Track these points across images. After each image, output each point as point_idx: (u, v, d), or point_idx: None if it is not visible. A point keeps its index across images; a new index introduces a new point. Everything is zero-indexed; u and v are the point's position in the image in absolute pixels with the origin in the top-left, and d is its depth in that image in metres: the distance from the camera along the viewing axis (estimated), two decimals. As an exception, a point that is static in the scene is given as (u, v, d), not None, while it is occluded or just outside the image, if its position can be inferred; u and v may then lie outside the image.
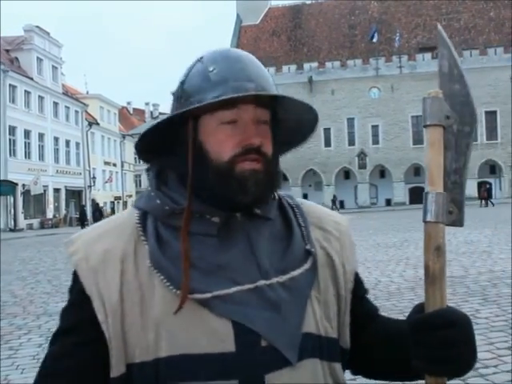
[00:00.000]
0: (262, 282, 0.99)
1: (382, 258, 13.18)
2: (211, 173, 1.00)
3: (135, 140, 1.11)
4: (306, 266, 1.05)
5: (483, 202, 46.98)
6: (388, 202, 63.84)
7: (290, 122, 1.13)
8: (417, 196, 62.77)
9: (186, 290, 0.95)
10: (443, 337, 0.88)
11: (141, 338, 0.95)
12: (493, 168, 62.19)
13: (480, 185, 50.56)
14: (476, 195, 59.58)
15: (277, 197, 1.13)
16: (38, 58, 50.01)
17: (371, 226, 26.43)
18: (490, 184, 51.24)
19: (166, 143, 1.09)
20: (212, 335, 0.94)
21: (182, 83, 1.07)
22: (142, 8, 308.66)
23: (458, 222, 0.96)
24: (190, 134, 1.03)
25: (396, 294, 8.61)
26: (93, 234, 1.05)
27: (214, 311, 0.95)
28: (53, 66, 52.94)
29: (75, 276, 1.01)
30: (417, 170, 63.66)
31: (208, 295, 0.95)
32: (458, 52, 60.66)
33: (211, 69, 1.03)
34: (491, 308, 7.29)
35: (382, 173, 64.71)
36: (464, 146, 0.98)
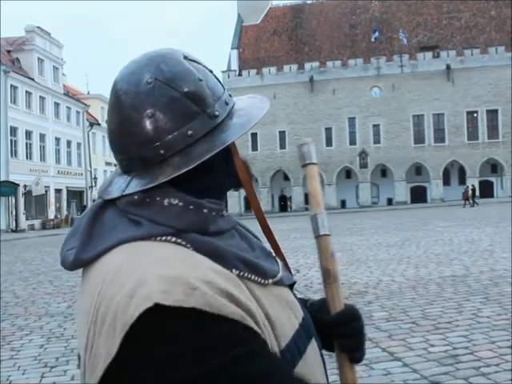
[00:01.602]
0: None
1: (384, 258, 13.18)
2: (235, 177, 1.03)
3: None
4: None
5: (467, 202, 46.91)
6: (389, 202, 63.78)
7: None
8: (418, 195, 62.83)
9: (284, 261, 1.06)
10: (356, 327, 1.05)
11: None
12: (494, 167, 62.14)
13: (471, 186, 50.49)
14: (478, 194, 59.67)
15: None
16: (39, 58, 50.02)
17: (373, 225, 26.43)
18: (474, 185, 51.22)
19: None
20: (295, 308, 0.98)
21: (201, 80, 0.98)
22: (142, 7, 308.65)
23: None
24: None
25: (397, 294, 8.60)
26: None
27: (284, 283, 0.99)
28: (54, 67, 52.95)
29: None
30: (418, 170, 63.59)
31: (281, 273, 0.99)
32: (459, 51, 60.75)
33: (199, 76, 0.98)
34: (493, 307, 7.29)
35: (384, 172, 64.66)
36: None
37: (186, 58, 0.99)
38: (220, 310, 0.79)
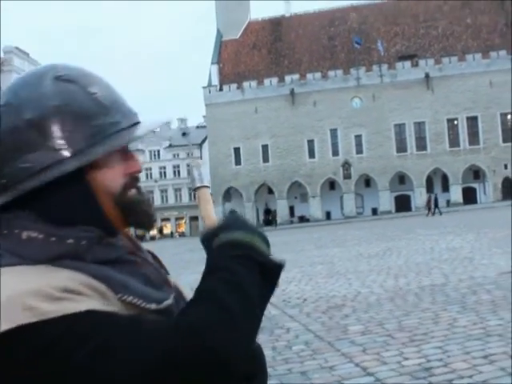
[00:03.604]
0: (172, 282, 1.05)
1: (364, 269, 13.08)
2: (113, 203, 0.95)
3: None
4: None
5: (430, 210, 46.93)
6: (374, 211, 63.95)
7: None
8: (403, 204, 63.07)
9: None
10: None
11: None
12: (477, 173, 62.59)
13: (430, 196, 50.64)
14: (461, 201, 60.04)
15: None
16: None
17: (356, 236, 26.39)
18: (436, 194, 51.45)
19: None
20: None
21: (67, 104, 0.90)
22: (122, 26, 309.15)
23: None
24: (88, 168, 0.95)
25: (375, 306, 8.50)
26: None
27: (173, 315, 0.92)
28: (33, 87, 52.67)
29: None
30: (401, 178, 63.89)
31: (171, 300, 0.96)
32: (437, 59, 61.38)
33: (94, 91, 0.92)
34: (469, 316, 7.20)
35: (367, 182, 64.88)
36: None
37: (58, 78, 0.90)
38: (47, 314, 0.77)
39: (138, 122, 0.96)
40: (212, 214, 1.09)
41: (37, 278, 0.81)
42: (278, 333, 7.39)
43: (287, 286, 11.42)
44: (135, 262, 0.97)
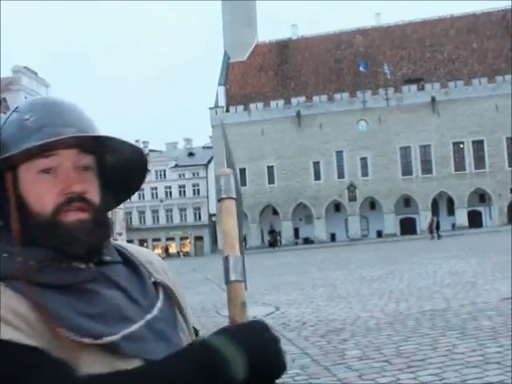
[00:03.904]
0: (148, 316, 1.00)
1: (365, 292, 13.00)
2: (37, 227, 0.96)
3: None
4: (161, 296, 1.09)
5: (432, 234, 46.73)
6: (379, 234, 63.75)
7: (121, 166, 1.11)
8: (408, 227, 62.83)
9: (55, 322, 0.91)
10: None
11: None
12: (482, 197, 62.41)
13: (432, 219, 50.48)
14: (466, 224, 59.80)
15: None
16: (26, 98, 50.23)
17: (359, 259, 26.27)
18: (438, 217, 51.36)
19: None
20: None
21: None
22: (130, 45, 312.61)
23: (246, 282, 1.04)
24: (8, 187, 0.98)
25: (374, 330, 8.42)
26: None
27: (123, 352, 0.93)
28: (41, 106, 53.20)
29: None
30: (407, 201, 63.77)
31: (116, 337, 0.92)
32: (443, 83, 61.59)
33: (27, 117, 0.99)
34: (469, 342, 7.12)
35: (373, 204, 64.78)
36: (242, 216, 1.10)
37: (14, 110, 1.03)
38: None
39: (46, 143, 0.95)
40: (232, 229, 1.03)
41: None
42: (275, 356, 7.32)
43: (287, 309, 11.35)
44: (90, 292, 0.96)
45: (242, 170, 64.86)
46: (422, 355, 6.70)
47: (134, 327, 0.95)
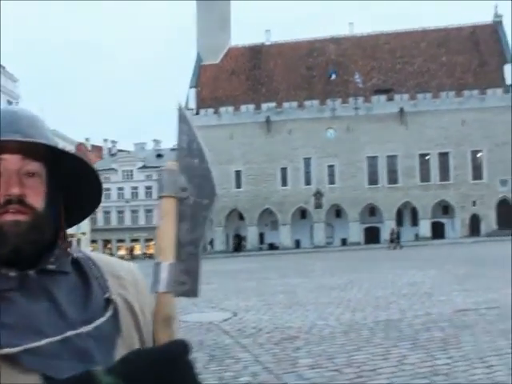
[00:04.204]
0: (70, 333, 0.97)
1: (324, 301, 13.06)
2: None
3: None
4: (108, 314, 1.05)
5: (392, 244, 47.40)
6: (344, 242, 64.20)
7: (74, 180, 1.12)
8: (372, 236, 63.48)
9: None
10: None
11: None
12: (446, 208, 63.41)
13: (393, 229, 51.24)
14: (430, 235, 60.69)
15: (69, 251, 1.13)
16: (-9, 92, 49.38)
17: (322, 267, 26.41)
18: (399, 228, 52.38)
19: None
20: None
21: None
22: (102, 44, 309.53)
23: (191, 293, 0.98)
24: None
25: (328, 339, 8.46)
26: None
27: (24, 366, 0.91)
28: (7, 101, 52.24)
29: None
30: (372, 210, 64.43)
31: (17, 349, 0.91)
32: (412, 95, 62.46)
33: None
34: (419, 353, 7.20)
35: (338, 212, 65.24)
36: (201, 217, 1.00)
37: None
38: None
39: None
40: (167, 233, 0.95)
41: None
42: (228, 363, 7.30)
43: (245, 315, 11.34)
44: (7, 300, 0.97)
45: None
46: (373, 365, 6.75)
47: (42, 342, 0.93)
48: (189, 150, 1.04)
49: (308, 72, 69.11)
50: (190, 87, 69.91)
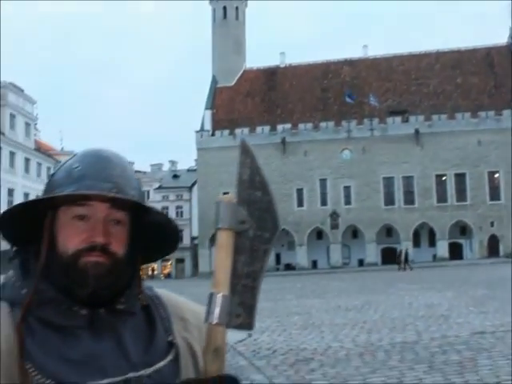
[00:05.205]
0: (131, 375, 1.01)
1: (339, 322, 12.99)
2: (58, 264, 1.05)
3: None
4: (170, 357, 1.08)
5: (400, 265, 46.97)
6: (361, 263, 63.83)
7: (158, 228, 1.16)
8: (389, 256, 63.00)
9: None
10: None
11: None
12: (463, 229, 62.86)
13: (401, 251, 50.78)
14: (447, 256, 60.13)
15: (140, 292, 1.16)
16: (11, 114, 50.07)
17: (338, 287, 26.26)
18: (407, 249, 51.87)
19: (34, 231, 1.11)
20: None
21: (52, 175, 1.13)
22: (119, 65, 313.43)
23: (245, 326, 0.98)
24: (46, 223, 1.08)
25: (343, 361, 8.41)
26: None
27: None
28: (26, 123, 53.04)
29: None
30: (389, 231, 64.06)
31: None
32: (427, 116, 62.39)
33: (75, 166, 1.08)
34: (435, 376, 7.13)
35: (355, 233, 64.96)
36: (261, 251, 1.00)
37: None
38: None
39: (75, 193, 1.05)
40: (222, 265, 0.97)
41: None
42: (242, 385, 7.27)
43: (259, 336, 11.30)
44: (77, 337, 1.02)
45: (226, 194, 64.69)
46: (388, 388, 6.70)
47: (104, 381, 0.98)
48: (251, 182, 1.04)
49: (323, 94, 69.36)
50: (206, 109, 70.43)
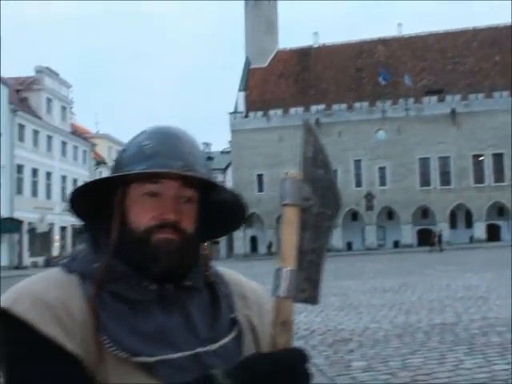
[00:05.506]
0: (200, 349, 1.04)
1: (376, 303, 12.94)
2: (129, 240, 1.06)
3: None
4: (233, 333, 1.11)
5: (435, 247, 46.56)
6: (396, 244, 63.38)
7: (224, 206, 1.17)
8: (425, 238, 62.39)
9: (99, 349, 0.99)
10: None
11: None
12: (501, 210, 61.79)
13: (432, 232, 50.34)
14: (484, 237, 59.26)
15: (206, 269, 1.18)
16: (47, 98, 50.75)
17: (374, 269, 26.15)
18: (441, 231, 51.29)
19: (103, 207, 1.13)
20: None
21: (122, 152, 1.13)
22: (153, 48, 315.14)
23: (311, 300, 1.01)
24: (117, 200, 1.10)
25: (382, 342, 8.38)
26: (39, 287, 1.04)
27: (158, 375, 0.98)
28: (62, 106, 53.67)
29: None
30: (424, 212, 63.36)
31: (153, 359, 0.98)
32: (464, 95, 61.17)
33: (146, 143, 1.09)
34: (476, 358, 7.06)
35: (390, 214, 64.44)
36: (324, 227, 1.02)
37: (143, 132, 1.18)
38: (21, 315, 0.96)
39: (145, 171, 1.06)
40: (287, 240, 0.97)
41: (43, 282, 1.04)
42: (281, 365, 7.31)
43: (297, 317, 11.32)
44: (148, 311, 1.04)
45: (260, 176, 64.98)
46: (428, 369, 6.65)
47: (175, 355, 1.00)
48: (314, 160, 1.06)
49: (357, 74, 68.58)
50: (239, 90, 70.31)
